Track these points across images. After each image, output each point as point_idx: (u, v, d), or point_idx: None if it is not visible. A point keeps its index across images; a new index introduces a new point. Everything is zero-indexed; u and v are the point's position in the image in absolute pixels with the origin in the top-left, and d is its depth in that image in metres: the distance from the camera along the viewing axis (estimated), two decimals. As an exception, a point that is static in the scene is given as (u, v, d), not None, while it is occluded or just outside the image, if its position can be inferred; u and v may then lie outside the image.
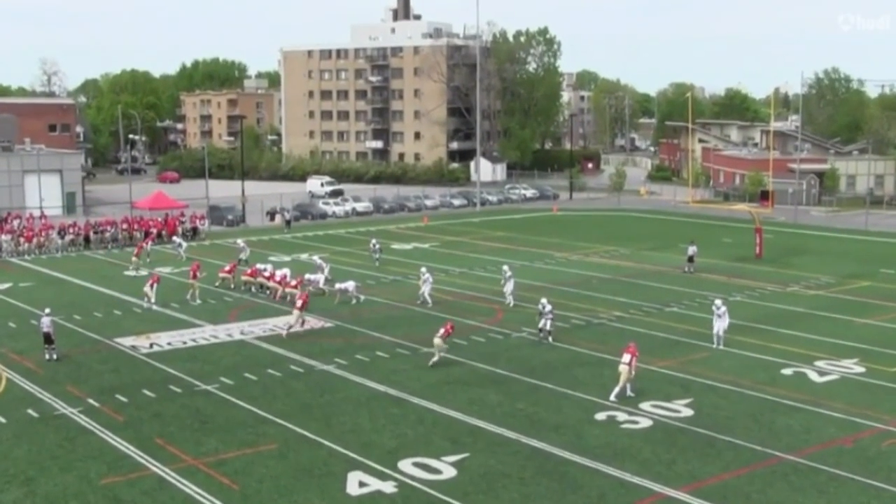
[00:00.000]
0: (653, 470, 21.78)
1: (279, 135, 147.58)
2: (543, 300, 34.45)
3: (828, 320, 37.90)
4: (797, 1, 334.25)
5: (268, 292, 42.62)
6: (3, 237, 57.66)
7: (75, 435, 24.22)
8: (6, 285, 46.15)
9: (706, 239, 59.36)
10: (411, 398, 27.21)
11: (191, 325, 36.97)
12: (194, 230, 65.01)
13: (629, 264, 52.14)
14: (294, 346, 33.45)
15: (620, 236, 64.11)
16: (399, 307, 40.36)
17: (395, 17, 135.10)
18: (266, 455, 22.73)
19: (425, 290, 40.72)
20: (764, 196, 61.28)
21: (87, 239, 60.06)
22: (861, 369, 30.37)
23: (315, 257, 49.09)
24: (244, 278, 44.26)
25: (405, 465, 22.04)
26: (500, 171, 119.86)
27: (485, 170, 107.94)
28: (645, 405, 26.39)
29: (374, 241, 54.33)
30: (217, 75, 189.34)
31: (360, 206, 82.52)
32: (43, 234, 59.02)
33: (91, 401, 26.96)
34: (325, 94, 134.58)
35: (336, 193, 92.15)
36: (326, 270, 44.81)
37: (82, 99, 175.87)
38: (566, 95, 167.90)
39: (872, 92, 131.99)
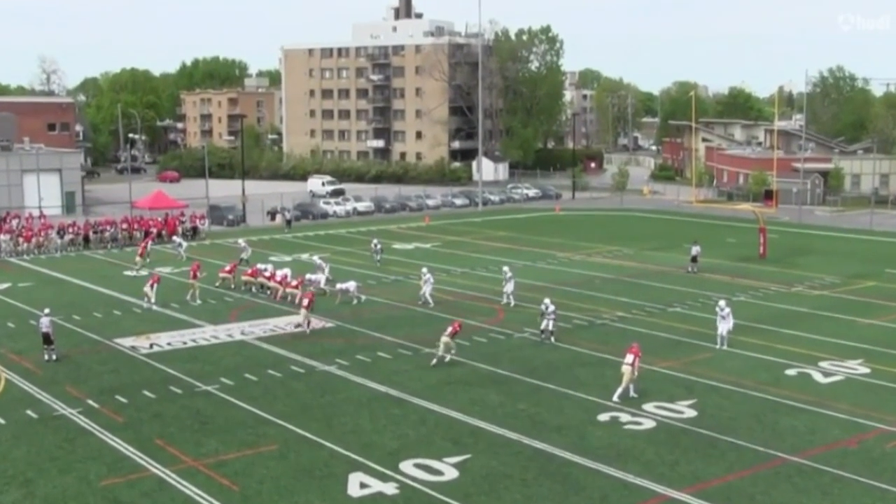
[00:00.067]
0: (656, 471, 21.67)
1: (280, 134, 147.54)
2: (546, 300, 34.34)
3: (832, 321, 37.75)
4: (798, 1, 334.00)
5: (268, 292, 42.49)
6: (2, 237, 57.58)
7: (75, 436, 24.12)
8: (5, 285, 46.04)
9: (710, 239, 59.22)
10: (413, 399, 27.09)
11: (191, 326, 36.85)
12: (194, 230, 64.88)
13: (632, 264, 51.99)
14: (295, 346, 33.34)
15: (623, 236, 63.97)
16: (400, 307, 40.23)
17: (397, 16, 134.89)
18: (266, 456, 22.63)
19: (426, 290, 40.60)
20: (768, 195, 61.30)
21: (86, 239, 59.95)
22: (866, 370, 30.22)
23: (315, 257, 48.96)
24: (244, 278, 44.13)
25: (406, 466, 21.94)
26: (503, 171, 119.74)
27: (487, 169, 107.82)
28: (648, 406, 26.26)
29: (375, 240, 54.22)
30: (217, 74, 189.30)
31: (361, 206, 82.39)
32: (42, 233, 58.92)
33: (90, 401, 26.85)
34: (327, 93, 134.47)
35: (337, 193, 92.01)
36: (326, 270, 44.67)
37: (82, 98, 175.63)
38: (569, 94, 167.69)
39: (877, 90, 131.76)
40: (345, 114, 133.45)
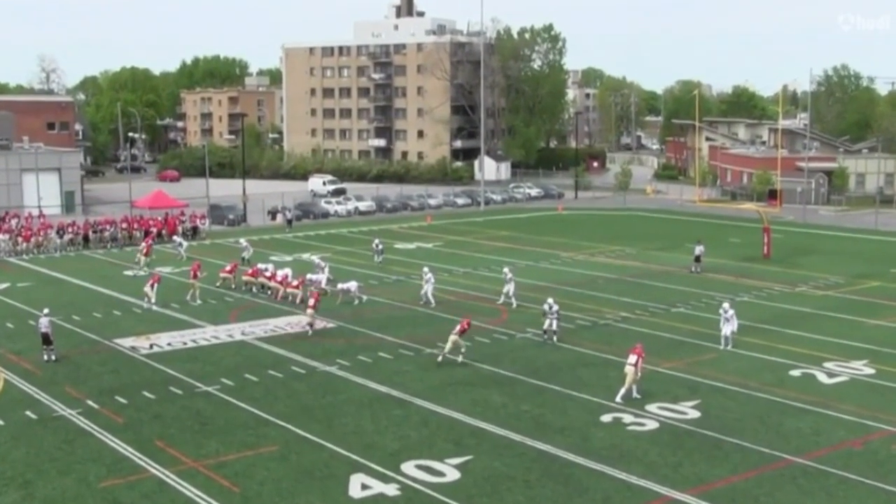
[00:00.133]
0: (659, 472, 21.55)
1: (281, 133, 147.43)
2: (550, 300, 34.21)
3: (837, 321, 37.57)
4: (799, 1, 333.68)
5: (269, 292, 42.34)
6: (1, 237, 57.45)
7: (74, 437, 24.00)
8: (4, 285, 45.91)
9: (713, 238, 59.05)
10: (414, 399, 26.95)
11: (191, 326, 36.71)
12: (194, 229, 64.71)
13: (635, 264, 51.83)
14: (296, 346, 33.20)
15: (626, 236, 63.81)
16: (402, 307, 40.09)
17: (399, 14, 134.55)
18: (267, 457, 22.51)
19: (428, 289, 40.46)
20: (772, 195, 61.02)
21: (86, 238, 59.78)
22: (871, 371, 30.06)
23: (314, 257, 48.80)
24: (245, 278, 43.98)
25: (408, 467, 21.82)
26: (505, 170, 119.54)
27: (489, 168, 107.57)
28: (651, 407, 26.12)
29: (376, 240, 54.05)
30: (218, 73, 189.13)
31: (362, 206, 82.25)
32: (41, 233, 58.78)
33: (90, 402, 26.72)
34: (328, 92, 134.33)
35: (338, 192, 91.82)
36: (326, 270, 44.49)
37: (81, 96, 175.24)
38: (571, 93, 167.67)
39: (882, 89, 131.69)
40: (346, 113, 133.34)
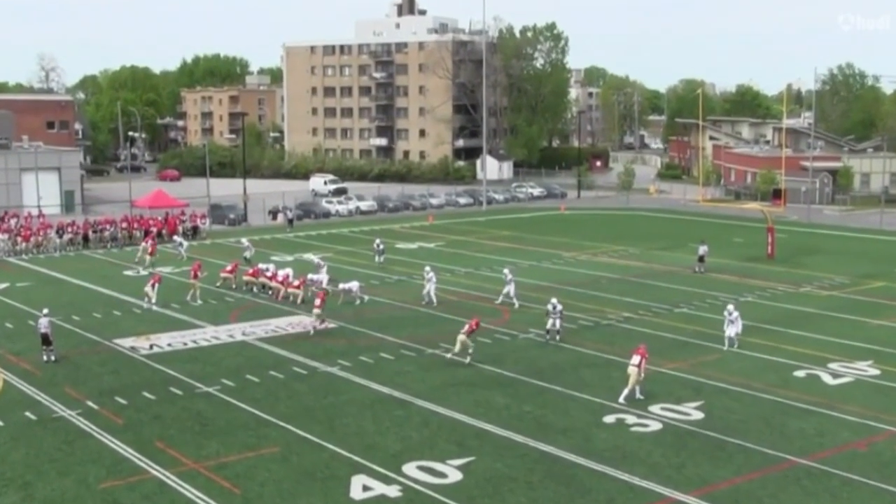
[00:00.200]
0: (662, 474, 21.43)
1: (281, 132, 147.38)
2: (554, 300, 34.10)
3: (841, 321, 37.41)
4: (799, 1, 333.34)
5: (270, 293, 42.22)
6: (1, 236, 57.32)
7: (74, 438, 23.90)
8: (3, 285, 45.80)
9: (717, 238, 58.84)
10: (416, 400, 26.83)
11: (191, 326, 36.59)
12: (195, 229, 64.57)
13: (638, 264, 51.69)
14: (297, 347, 33.09)
15: (629, 236, 63.66)
16: (403, 308, 39.97)
17: (400, 13, 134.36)
18: (268, 458, 22.41)
19: (430, 288, 40.35)
20: (776, 195, 61.07)
21: (85, 238, 59.64)
22: (876, 371, 29.91)
23: (313, 256, 48.66)
24: (246, 278, 43.86)
25: (410, 468, 21.72)
26: (507, 170, 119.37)
27: (491, 168, 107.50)
28: (654, 408, 25.99)
29: (377, 240, 53.90)
30: (218, 71, 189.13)
31: (363, 205, 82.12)
32: (41, 233, 58.65)
33: (90, 403, 26.61)
34: (329, 91, 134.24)
35: (339, 192, 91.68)
36: (324, 269, 44.34)
37: (81, 95, 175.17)
38: (574, 92, 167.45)
39: (888, 88, 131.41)
40: (347, 112, 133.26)
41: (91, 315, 38.67)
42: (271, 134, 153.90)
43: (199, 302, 40.85)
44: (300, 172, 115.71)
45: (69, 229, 59.62)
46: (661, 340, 33.62)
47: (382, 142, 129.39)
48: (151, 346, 33.18)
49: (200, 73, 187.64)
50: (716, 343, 32.97)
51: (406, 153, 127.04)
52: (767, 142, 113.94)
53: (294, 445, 23.28)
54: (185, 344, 33.74)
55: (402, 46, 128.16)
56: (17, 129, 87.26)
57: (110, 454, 22.73)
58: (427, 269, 41.82)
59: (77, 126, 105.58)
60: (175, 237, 58.46)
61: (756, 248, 55.80)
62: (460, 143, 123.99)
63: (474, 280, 46.71)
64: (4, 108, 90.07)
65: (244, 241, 53.96)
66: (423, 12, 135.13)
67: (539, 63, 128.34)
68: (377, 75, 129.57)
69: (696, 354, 31.95)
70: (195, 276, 41.98)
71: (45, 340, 31.21)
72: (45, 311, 32.34)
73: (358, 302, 40.46)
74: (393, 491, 20.48)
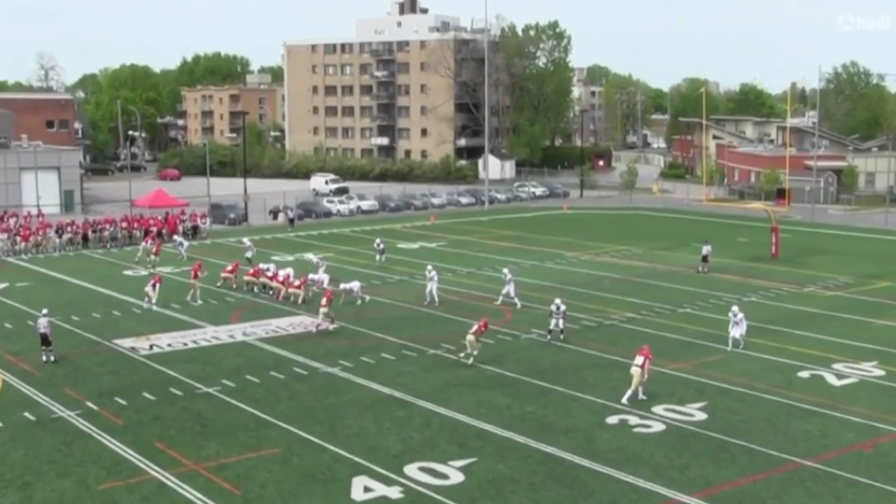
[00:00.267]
0: (665, 475, 21.31)
1: (282, 131, 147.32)
2: (557, 300, 34.00)
3: (846, 322, 37.25)
4: (799, 1, 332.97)
5: (270, 293, 42.09)
6: (0, 236, 57.16)
7: (73, 439, 23.79)
8: (2, 285, 45.68)
9: (720, 238, 58.71)
10: (417, 401, 26.70)
11: (192, 326, 36.47)
12: (195, 229, 64.41)
13: (641, 264, 51.54)
14: (297, 347, 32.97)
15: (632, 235, 63.50)
16: (405, 308, 39.85)
17: (402, 11, 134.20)
18: (269, 459, 22.30)
19: (432, 287, 40.23)
20: (780, 194, 60.83)
21: (85, 238, 59.49)
22: (880, 372, 29.75)
23: (312, 256, 48.54)
24: (246, 278, 43.74)
25: (411, 469, 21.60)
26: (509, 169, 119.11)
27: (493, 167, 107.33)
28: (657, 408, 25.85)
29: (378, 240, 53.73)
30: (219, 70, 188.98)
31: (365, 205, 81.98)
32: (40, 232, 58.52)
33: (89, 404, 26.50)
34: (330, 90, 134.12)
35: (341, 191, 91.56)
36: (322, 269, 44.19)
37: (80, 94, 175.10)
38: (576, 91, 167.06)
39: (892, 87, 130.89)
40: (348, 111, 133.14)
41: (91, 315, 38.56)
42: (272, 133, 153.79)
43: (200, 302, 40.72)
44: (301, 172, 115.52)
45: (69, 229, 59.48)
46: (664, 341, 33.46)
47: (384, 141, 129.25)
48: (151, 347, 33.06)
49: (201, 72, 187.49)
50: (719, 343, 32.83)
51: (408, 152, 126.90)
52: (771, 141, 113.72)
53: (295, 446, 23.16)
54: (186, 344, 33.61)
55: (403, 45, 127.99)
56: (17, 128, 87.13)
57: (110, 455, 22.62)
58: (429, 267, 41.74)
59: (77, 125, 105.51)
60: (175, 237, 58.33)
61: (760, 248, 55.63)
62: (462, 142, 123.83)
63: (476, 280, 46.56)
64: (4, 107, 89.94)
65: (246, 240, 53.83)
66: (424, 11, 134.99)
67: (541, 62, 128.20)
68: (378, 74, 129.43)
69: (699, 355, 31.80)
70: (195, 276, 41.85)
71: (45, 341, 31.09)
72: (45, 311, 32.20)
73: (359, 302, 40.33)
74: (394, 492, 20.35)
